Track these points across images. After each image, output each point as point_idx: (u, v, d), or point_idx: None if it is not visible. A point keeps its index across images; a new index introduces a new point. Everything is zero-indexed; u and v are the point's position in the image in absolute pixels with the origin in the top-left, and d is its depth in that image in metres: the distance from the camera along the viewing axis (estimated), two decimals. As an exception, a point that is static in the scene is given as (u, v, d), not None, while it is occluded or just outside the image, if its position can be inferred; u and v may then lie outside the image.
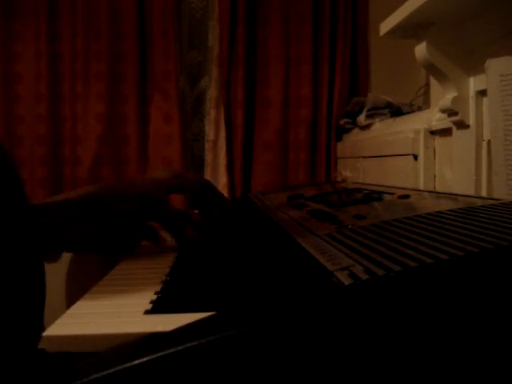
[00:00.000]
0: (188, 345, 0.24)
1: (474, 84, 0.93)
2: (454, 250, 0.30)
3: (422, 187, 1.15)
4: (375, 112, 1.64)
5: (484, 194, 0.90)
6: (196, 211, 0.72)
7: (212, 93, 2.05)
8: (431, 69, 0.97)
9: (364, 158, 1.58)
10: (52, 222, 0.49)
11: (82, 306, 0.38)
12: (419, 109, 1.50)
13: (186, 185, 0.61)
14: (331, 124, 2.02)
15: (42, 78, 1.95)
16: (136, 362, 0.24)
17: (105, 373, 0.24)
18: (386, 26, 1.01)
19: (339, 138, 2.02)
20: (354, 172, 1.68)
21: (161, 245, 0.60)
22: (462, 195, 0.62)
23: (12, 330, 0.33)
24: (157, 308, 0.35)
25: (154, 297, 0.38)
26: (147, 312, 0.34)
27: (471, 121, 0.93)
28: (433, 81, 1.19)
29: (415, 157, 1.19)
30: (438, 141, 1.16)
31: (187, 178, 0.61)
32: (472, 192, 0.91)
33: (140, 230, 0.59)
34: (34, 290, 0.36)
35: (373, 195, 0.71)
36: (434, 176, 1.17)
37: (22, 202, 0.37)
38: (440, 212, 0.45)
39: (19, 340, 0.33)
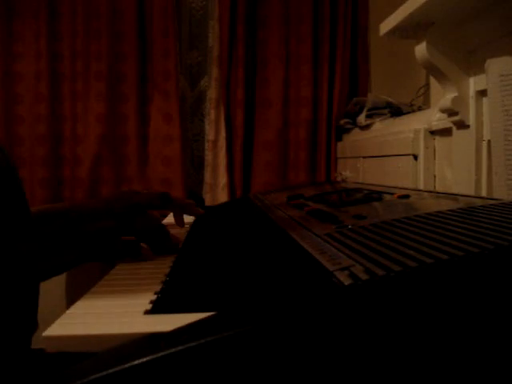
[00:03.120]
0: (188, 345, 0.24)
1: (474, 84, 0.93)
2: (454, 250, 0.30)
3: (422, 187, 1.15)
4: (375, 112, 1.64)
5: (484, 194, 0.90)
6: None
7: (212, 93, 2.05)
8: (431, 69, 0.97)
9: (364, 158, 1.58)
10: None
11: (81, 306, 0.38)
12: (419, 109, 1.49)
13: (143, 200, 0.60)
14: (331, 124, 2.02)
15: (42, 77, 1.95)
16: (136, 362, 0.24)
17: (104, 373, 0.24)
18: (385, 26, 1.01)
19: (339, 138, 2.02)
20: (354, 172, 1.68)
21: (143, 258, 0.57)
22: (462, 195, 0.62)
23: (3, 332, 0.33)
24: (157, 308, 0.35)
25: (154, 297, 0.38)
26: (147, 312, 0.34)
27: (471, 121, 0.93)
28: (433, 81, 1.18)
29: (415, 157, 1.19)
30: (438, 141, 1.16)
31: (142, 194, 0.61)
32: (472, 192, 0.91)
33: (119, 246, 0.57)
34: (26, 297, 0.36)
35: (373, 195, 0.71)
36: (434, 176, 1.17)
37: (23, 212, 0.37)
38: (440, 212, 0.45)
39: (10, 342, 0.33)
